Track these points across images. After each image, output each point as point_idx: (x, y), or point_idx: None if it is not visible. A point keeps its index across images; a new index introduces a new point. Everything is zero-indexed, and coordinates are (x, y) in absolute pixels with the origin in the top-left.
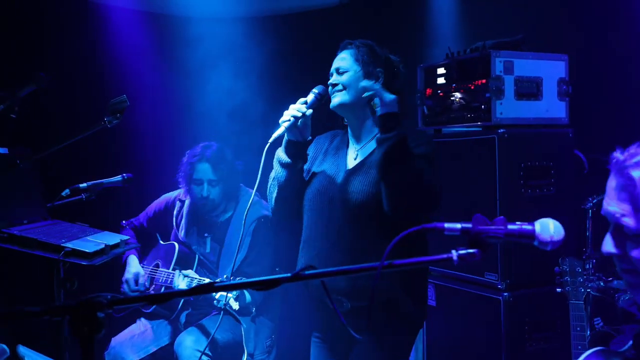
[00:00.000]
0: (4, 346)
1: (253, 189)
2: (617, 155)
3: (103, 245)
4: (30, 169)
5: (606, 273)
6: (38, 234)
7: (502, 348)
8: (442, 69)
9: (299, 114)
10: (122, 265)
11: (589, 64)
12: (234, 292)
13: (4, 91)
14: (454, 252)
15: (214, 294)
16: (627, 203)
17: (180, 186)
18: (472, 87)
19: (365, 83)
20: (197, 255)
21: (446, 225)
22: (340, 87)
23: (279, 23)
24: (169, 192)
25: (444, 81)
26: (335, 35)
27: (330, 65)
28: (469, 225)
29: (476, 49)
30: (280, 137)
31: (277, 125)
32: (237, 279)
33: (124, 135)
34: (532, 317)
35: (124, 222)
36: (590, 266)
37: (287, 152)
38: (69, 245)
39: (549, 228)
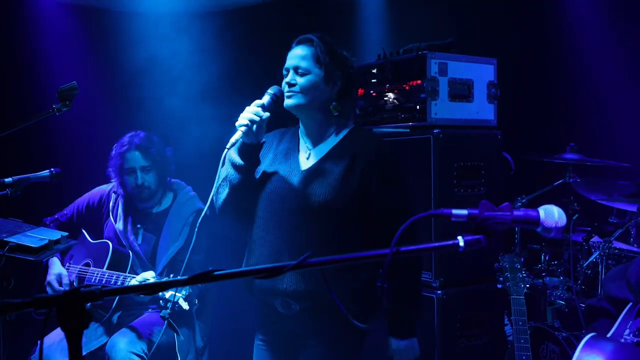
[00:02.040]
0: None
1: (189, 187)
2: None
3: (47, 241)
4: None
5: (530, 270)
6: None
7: (435, 345)
8: (375, 68)
9: (257, 118)
10: (44, 267)
11: (517, 69)
12: (184, 292)
13: None
14: (460, 238)
15: (161, 293)
16: None
17: (112, 180)
18: (407, 88)
19: (324, 88)
20: (131, 255)
21: (453, 211)
22: (297, 88)
23: (211, 19)
24: (98, 186)
25: (376, 81)
26: (262, 34)
27: (272, 61)
28: (476, 212)
29: (410, 50)
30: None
31: (234, 128)
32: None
33: (52, 129)
34: (463, 314)
35: (47, 218)
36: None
37: (241, 154)
38: (13, 239)
39: (553, 214)
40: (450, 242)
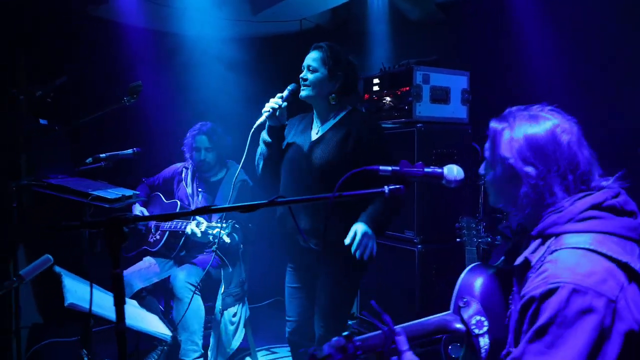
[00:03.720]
0: (49, 256)
1: (240, 162)
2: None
3: (120, 195)
4: (63, 137)
5: (493, 232)
6: (70, 184)
7: (416, 287)
8: (377, 79)
9: (277, 106)
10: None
11: (487, 78)
12: (227, 229)
13: (43, 82)
14: (385, 187)
15: (209, 231)
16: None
17: (185, 154)
18: (399, 93)
19: (327, 83)
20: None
21: (380, 167)
22: (308, 82)
23: (254, 44)
24: (174, 163)
25: (377, 88)
26: (296, 55)
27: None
28: (397, 168)
29: (402, 65)
30: (263, 123)
31: (260, 114)
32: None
33: (136, 119)
34: (438, 264)
35: (144, 178)
36: (482, 227)
37: (269, 134)
38: (94, 192)
39: (453, 171)
40: (379, 189)
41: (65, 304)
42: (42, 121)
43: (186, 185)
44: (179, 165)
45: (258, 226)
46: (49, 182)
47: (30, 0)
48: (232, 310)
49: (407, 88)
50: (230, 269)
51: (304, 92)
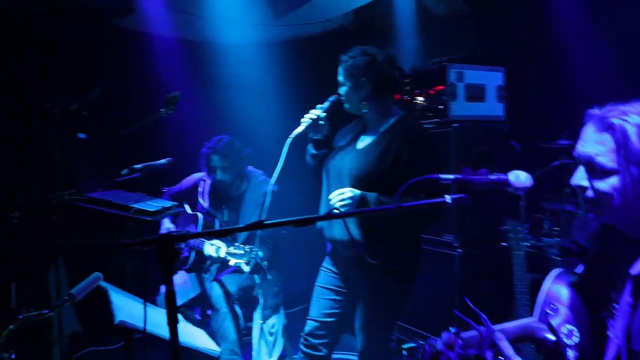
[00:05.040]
0: (99, 274)
1: (260, 171)
2: (595, 111)
3: (161, 207)
4: (100, 150)
5: (536, 234)
6: (111, 197)
7: (456, 292)
8: (408, 79)
9: (315, 117)
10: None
11: (524, 74)
12: (245, 258)
13: (78, 96)
14: (447, 196)
15: (229, 258)
16: (602, 145)
17: (202, 171)
18: (432, 92)
19: (356, 93)
20: (217, 225)
21: (441, 176)
22: (343, 97)
23: (278, 48)
24: (196, 173)
25: (408, 88)
26: (324, 58)
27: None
28: (459, 175)
29: (434, 63)
30: (301, 133)
31: (299, 124)
32: (248, 245)
33: (164, 131)
34: (479, 268)
35: (164, 188)
36: (524, 229)
37: (314, 146)
38: (136, 205)
39: (520, 177)
40: (440, 199)
41: (115, 322)
42: (80, 135)
43: (203, 199)
44: (198, 175)
45: (291, 233)
46: (90, 196)
47: (60, 15)
48: (270, 321)
49: (441, 87)
50: (264, 284)
51: (344, 106)
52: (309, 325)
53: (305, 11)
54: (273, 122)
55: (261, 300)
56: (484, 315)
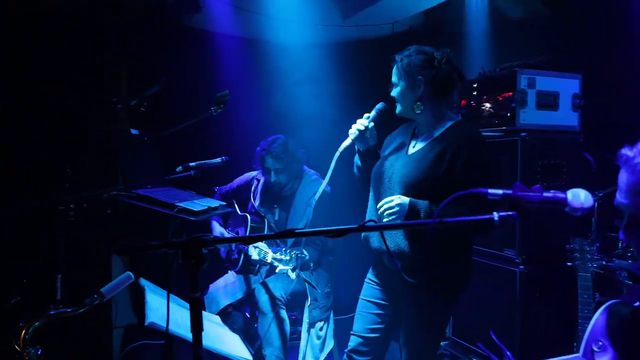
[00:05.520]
0: (130, 273)
1: (313, 171)
2: (626, 152)
3: (206, 207)
4: (153, 147)
5: (608, 254)
6: (158, 195)
7: (516, 310)
8: (475, 84)
9: (363, 128)
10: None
11: (600, 81)
12: (291, 264)
13: (136, 92)
14: (495, 213)
15: (275, 263)
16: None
17: (256, 170)
18: (500, 99)
19: (409, 93)
20: (266, 225)
21: (490, 191)
22: (396, 99)
23: (345, 49)
24: (250, 172)
25: (476, 94)
26: (388, 60)
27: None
28: (510, 191)
29: (504, 67)
30: (349, 145)
31: (346, 135)
32: (295, 250)
33: (221, 129)
34: (541, 286)
35: (216, 187)
36: (594, 248)
37: (360, 158)
38: (181, 204)
39: (579, 196)
40: (487, 216)
41: (145, 324)
42: (133, 131)
43: (255, 199)
44: (251, 174)
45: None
46: (137, 192)
47: (129, 12)
48: (318, 324)
49: (510, 93)
50: (313, 282)
51: (396, 109)
52: (353, 341)
53: (373, 12)
54: (335, 124)
55: (310, 299)
56: (508, 352)
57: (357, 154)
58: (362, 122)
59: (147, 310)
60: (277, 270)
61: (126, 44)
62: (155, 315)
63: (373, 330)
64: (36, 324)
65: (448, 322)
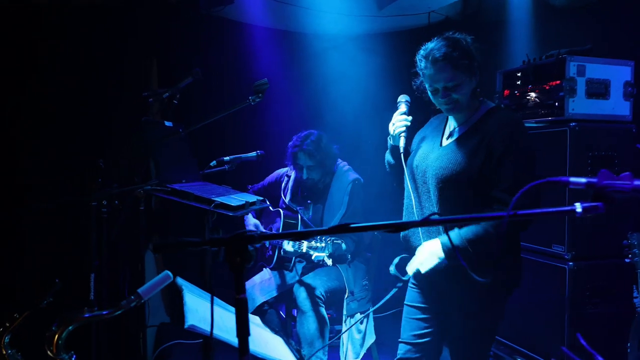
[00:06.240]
0: (169, 272)
1: (345, 162)
2: None
3: (244, 202)
4: (187, 140)
5: None
6: (193, 189)
7: (565, 311)
8: (519, 72)
9: (409, 123)
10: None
11: None
12: (327, 251)
13: (169, 84)
14: (577, 204)
15: (311, 252)
16: None
17: (288, 166)
18: (547, 88)
19: (471, 82)
20: (299, 221)
21: (571, 179)
22: (454, 102)
23: (381, 40)
24: (281, 168)
25: (520, 83)
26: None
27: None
28: (595, 180)
29: (551, 55)
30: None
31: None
32: (330, 237)
33: (257, 123)
34: (592, 285)
35: (249, 186)
36: None
37: (392, 155)
38: (218, 199)
39: None
40: (568, 207)
41: (185, 326)
42: (167, 123)
43: (285, 195)
44: (281, 171)
45: (382, 234)
46: (172, 187)
47: (160, 4)
48: (357, 317)
49: (558, 82)
50: (350, 274)
51: (451, 112)
52: (401, 348)
53: (409, 1)
54: (370, 117)
55: (347, 291)
56: (599, 357)
57: (389, 152)
58: (405, 118)
59: (186, 312)
60: (313, 258)
61: (157, 37)
62: (195, 317)
63: (421, 336)
64: (70, 327)
65: (502, 321)
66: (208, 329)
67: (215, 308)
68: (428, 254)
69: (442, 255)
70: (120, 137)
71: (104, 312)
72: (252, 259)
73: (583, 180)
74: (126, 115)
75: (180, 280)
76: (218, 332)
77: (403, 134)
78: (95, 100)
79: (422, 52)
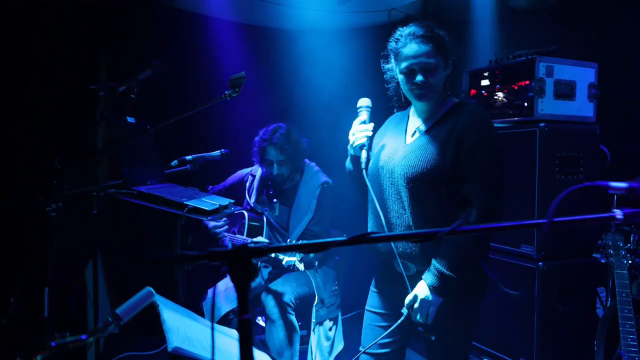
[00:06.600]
0: (151, 289)
1: (314, 163)
2: None
3: (217, 205)
4: (150, 138)
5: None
6: (162, 192)
7: (534, 310)
8: (487, 72)
9: (370, 133)
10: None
11: (616, 71)
12: (299, 255)
13: (126, 77)
14: (617, 211)
15: (280, 256)
16: None
17: (255, 163)
18: (516, 88)
19: (443, 73)
20: (264, 222)
21: (611, 183)
22: (427, 86)
23: (340, 36)
24: (244, 168)
25: (487, 83)
26: (384, 48)
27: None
28: (636, 184)
29: (519, 55)
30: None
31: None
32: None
33: (217, 119)
34: (561, 284)
35: (209, 186)
36: (631, 244)
37: (353, 162)
38: (190, 203)
39: None
40: (608, 214)
41: (169, 349)
42: (129, 119)
43: (250, 196)
44: (244, 171)
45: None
46: (139, 189)
47: None
48: (327, 323)
49: (527, 82)
50: (320, 281)
51: (422, 99)
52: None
53: None
54: (331, 113)
55: (317, 298)
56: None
57: (349, 159)
58: (366, 128)
59: (167, 332)
60: (283, 263)
61: (107, 28)
62: (177, 338)
63: (384, 346)
64: (38, 357)
65: (476, 309)
66: (192, 350)
67: (192, 323)
68: (425, 304)
69: (436, 297)
70: (67, 135)
71: (80, 338)
72: (258, 274)
73: (623, 184)
74: (72, 111)
75: (155, 297)
76: (203, 354)
77: (364, 148)
78: (35, 96)
79: (397, 33)
